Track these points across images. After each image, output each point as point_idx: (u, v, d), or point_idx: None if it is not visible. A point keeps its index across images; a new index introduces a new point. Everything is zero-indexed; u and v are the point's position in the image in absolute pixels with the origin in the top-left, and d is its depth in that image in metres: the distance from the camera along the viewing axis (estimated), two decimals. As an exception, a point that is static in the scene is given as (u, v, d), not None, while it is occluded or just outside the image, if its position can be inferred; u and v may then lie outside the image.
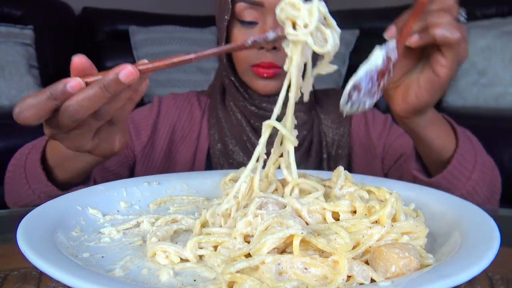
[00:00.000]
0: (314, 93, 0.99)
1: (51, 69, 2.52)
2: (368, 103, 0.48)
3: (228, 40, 0.87)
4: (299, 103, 0.85)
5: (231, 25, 0.85)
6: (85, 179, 0.71)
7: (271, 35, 0.48)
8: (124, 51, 2.70)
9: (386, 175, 0.91)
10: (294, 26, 0.48)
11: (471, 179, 0.70)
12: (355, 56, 2.65)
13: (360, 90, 0.46)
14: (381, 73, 0.47)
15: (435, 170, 0.71)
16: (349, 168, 0.92)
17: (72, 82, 0.46)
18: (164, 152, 0.92)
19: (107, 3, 2.81)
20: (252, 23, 0.82)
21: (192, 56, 0.48)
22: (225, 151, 0.91)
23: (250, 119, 0.91)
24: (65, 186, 0.68)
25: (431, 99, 0.60)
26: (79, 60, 0.48)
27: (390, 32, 0.57)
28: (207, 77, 2.56)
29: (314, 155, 0.91)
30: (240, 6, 0.82)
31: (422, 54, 0.60)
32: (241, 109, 0.92)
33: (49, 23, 2.55)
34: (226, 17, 0.83)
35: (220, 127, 0.93)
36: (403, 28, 0.55)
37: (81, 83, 0.46)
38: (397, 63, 0.52)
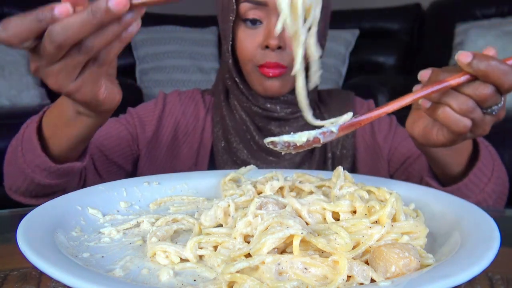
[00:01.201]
0: (318, 93, 0.99)
1: (51, 69, 2.52)
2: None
3: (233, 41, 0.87)
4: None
5: (235, 25, 0.86)
6: (80, 156, 0.69)
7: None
8: (124, 51, 2.68)
9: (392, 176, 0.91)
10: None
11: (484, 191, 0.70)
12: (355, 56, 2.65)
13: (276, 146, 0.48)
14: (299, 146, 0.48)
15: (447, 180, 0.71)
16: (354, 169, 0.92)
17: (61, 7, 0.44)
18: (167, 147, 0.93)
19: (107, 3, 2.81)
20: (256, 23, 0.83)
21: None
22: (229, 148, 0.92)
23: (254, 118, 0.92)
24: (60, 161, 0.66)
25: (448, 143, 0.57)
26: None
27: (424, 75, 0.54)
28: (207, 77, 2.56)
29: (318, 154, 0.91)
30: (244, 6, 0.83)
31: None
32: (245, 109, 0.92)
33: (49, 23, 2.56)
34: (231, 17, 0.84)
35: (224, 125, 0.93)
36: (429, 83, 0.53)
37: (70, 9, 0.44)
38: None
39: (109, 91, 0.55)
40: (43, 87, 2.37)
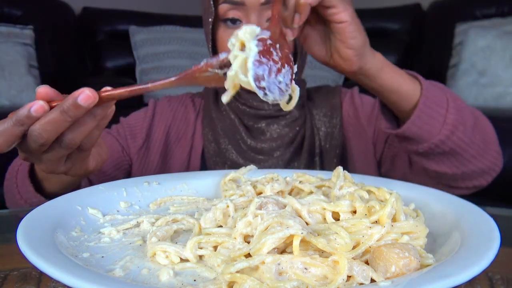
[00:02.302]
0: (307, 91, 1.00)
1: (51, 69, 2.52)
2: (284, 78, 0.49)
3: (214, 42, 0.88)
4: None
5: (215, 27, 0.86)
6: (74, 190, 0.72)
7: (222, 55, 0.48)
8: (124, 51, 2.69)
9: (380, 159, 0.91)
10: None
11: (446, 122, 0.68)
12: (355, 56, 2.65)
13: (263, 77, 0.46)
14: (266, 52, 0.47)
15: (404, 119, 0.70)
16: (342, 159, 0.92)
17: (35, 106, 0.46)
18: (160, 153, 0.94)
19: (107, 3, 2.81)
20: (236, 22, 0.83)
21: (149, 85, 0.49)
22: (219, 150, 0.92)
23: (243, 118, 0.93)
24: (54, 197, 0.69)
25: (356, 41, 0.61)
26: (43, 90, 0.48)
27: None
28: (207, 77, 2.56)
29: (307, 150, 0.92)
30: (222, 7, 0.83)
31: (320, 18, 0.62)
32: (234, 109, 0.93)
33: (49, 23, 2.55)
34: (210, 20, 0.85)
35: (213, 127, 0.94)
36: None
37: (44, 106, 0.47)
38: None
39: (97, 159, 0.60)
40: (43, 87, 2.37)
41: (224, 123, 0.94)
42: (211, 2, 0.83)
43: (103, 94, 0.48)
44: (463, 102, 0.73)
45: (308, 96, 0.99)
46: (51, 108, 0.47)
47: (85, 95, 0.46)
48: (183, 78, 0.50)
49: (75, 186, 0.72)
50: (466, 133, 0.70)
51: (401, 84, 0.67)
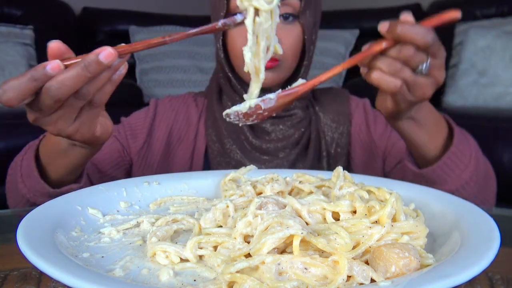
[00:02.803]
0: (313, 91, 0.99)
1: (51, 69, 2.52)
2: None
3: (224, 38, 0.88)
4: (296, 99, 0.85)
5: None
6: (77, 177, 0.71)
7: (239, 17, 0.55)
8: (124, 51, 2.69)
9: (387, 174, 0.91)
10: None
11: (461, 177, 0.71)
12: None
13: (230, 117, 0.56)
14: (248, 115, 0.56)
15: (425, 165, 0.72)
16: (348, 167, 0.93)
17: (52, 64, 0.49)
18: (161, 154, 0.93)
19: (107, 3, 2.81)
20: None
21: (166, 38, 0.55)
22: (223, 150, 0.92)
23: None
24: (58, 185, 0.68)
25: (394, 107, 0.63)
26: (55, 45, 0.51)
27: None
28: (207, 77, 2.55)
29: (312, 152, 0.92)
30: (234, 4, 0.82)
31: None
32: (237, 93, 0.92)
33: (49, 23, 2.55)
34: (221, 13, 0.84)
35: (217, 127, 0.93)
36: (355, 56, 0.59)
37: (60, 65, 0.49)
38: None
39: (103, 126, 0.60)
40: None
41: (228, 123, 0.93)
42: (224, 2, 0.83)
43: (119, 49, 0.51)
44: (484, 160, 0.77)
45: (314, 96, 0.98)
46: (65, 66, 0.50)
47: (107, 52, 0.49)
48: (200, 33, 0.57)
49: (79, 172, 0.70)
50: (476, 185, 0.74)
51: (432, 142, 0.70)
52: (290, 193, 0.56)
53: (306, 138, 0.93)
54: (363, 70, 0.60)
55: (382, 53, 0.57)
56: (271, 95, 0.56)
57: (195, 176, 0.68)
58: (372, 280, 0.38)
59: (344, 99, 0.98)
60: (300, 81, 0.58)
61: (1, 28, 2.32)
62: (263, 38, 0.56)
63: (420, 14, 2.74)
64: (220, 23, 0.55)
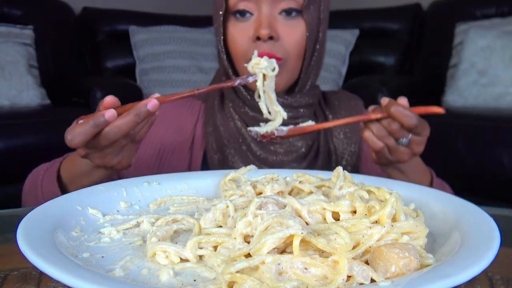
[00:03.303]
0: (324, 94, 0.96)
1: (51, 69, 2.52)
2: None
3: (225, 36, 0.86)
4: (301, 106, 0.86)
5: (226, 20, 0.84)
6: None
7: (251, 79, 0.71)
8: (124, 51, 2.70)
9: None
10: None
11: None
12: (355, 55, 2.65)
13: (251, 133, 0.75)
14: (264, 136, 0.73)
15: None
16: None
17: (109, 113, 0.61)
18: (151, 168, 0.89)
19: (107, 3, 2.81)
20: (246, 14, 0.82)
21: (195, 92, 0.68)
22: (224, 161, 0.88)
23: (251, 126, 0.87)
24: None
25: (377, 161, 0.77)
26: (110, 99, 0.64)
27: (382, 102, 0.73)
28: (207, 77, 2.56)
29: (321, 164, 0.90)
30: None
31: None
32: (241, 115, 0.89)
33: (49, 23, 2.55)
34: (220, 12, 0.83)
35: (218, 136, 0.89)
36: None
37: (115, 113, 0.62)
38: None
39: (133, 155, 0.71)
40: (43, 87, 2.37)
41: (230, 132, 0.89)
42: None
43: (160, 99, 0.64)
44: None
45: (326, 100, 0.95)
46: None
47: (153, 103, 0.63)
48: (220, 88, 0.80)
49: None
50: None
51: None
52: (290, 193, 0.56)
53: (314, 151, 0.90)
54: (361, 125, 0.75)
55: (378, 120, 0.72)
56: (284, 128, 0.73)
57: (195, 176, 0.68)
58: (372, 280, 0.38)
59: (360, 110, 0.95)
60: (310, 122, 0.74)
61: (1, 28, 2.32)
62: (272, 92, 0.73)
63: (420, 14, 2.75)
64: (237, 82, 0.70)
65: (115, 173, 0.75)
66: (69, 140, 0.61)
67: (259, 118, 0.87)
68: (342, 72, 2.61)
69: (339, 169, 0.53)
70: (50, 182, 0.76)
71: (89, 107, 2.21)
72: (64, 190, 0.75)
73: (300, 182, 0.57)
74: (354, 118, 0.74)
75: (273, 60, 0.72)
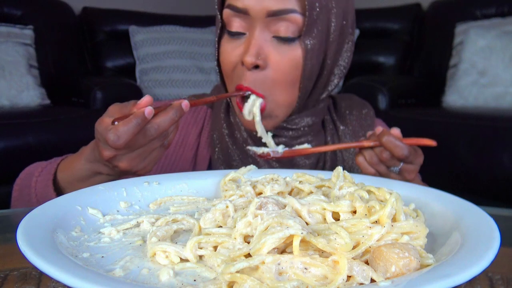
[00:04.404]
0: (333, 98, 0.93)
1: (51, 69, 2.52)
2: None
3: (218, 52, 0.81)
4: (301, 127, 0.85)
5: (221, 36, 0.79)
6: None
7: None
8: (124, 51, 2.70)
9: None
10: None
11: None
12: (355, 55, 2.65)
13: (249, 152, 0.83)
14: (261, 156, 0.77)
15: None
16: None
17: (148, 110, 0.61)
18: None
19: (107, 3, 2.82)
20: (239, 34, 0.75)
21: (214, 98, 0.73)
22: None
23: (255, 139, 0.84)
24: None
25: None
26: (147, 99, 0.63)
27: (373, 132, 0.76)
28: (207, 77, 2.56)
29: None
30: (226, 13, 0.75)
31: None
32: (247, 129, 0.85)
33: (49, 23, 2.55)
34: (218, 30, 0.79)
35: (224, 147, 0.86)
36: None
37: (153, 110, 0.61)
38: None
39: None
40: (43, 87, 2.37)
41: (236, 142, 0.85)
42: (217, 10, 0.78)
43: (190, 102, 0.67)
44: None
45: (335, 105, 0.92)
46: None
47: (186, 103, 0.64)
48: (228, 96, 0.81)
49: None
50: None
51: None
52: (290, 193, 0.56)
53: (322, 162, 0.88)
54: (356, 151, 0.79)
55: (371, 147, 0.74)
56: (280, 149, 0.76)
57: (195, 176, 0.68)
58: (372, 280, 0.38)
59: (371, 120, 0.92)
60: (306, 145, 0.77)
61: (1, 28, 2.32)
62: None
63: (420, 14, 2.76)
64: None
65: (117, 178, 0.70)
66: (112, 140, 0.59)
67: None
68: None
69: (339, 169, 0.53)
70: (45, 185, 0.73)
71: (89, 107, 2.21)
72: (60, 193, 0.72)
73: (300, 182, 0.57)
74: (348, 144, 0.77)
75: (258, 102, 0.75)
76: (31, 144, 1.82)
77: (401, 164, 0.75)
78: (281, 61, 0.73)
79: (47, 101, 2.34)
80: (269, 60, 0.73)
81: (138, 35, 2.66)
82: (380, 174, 0.74)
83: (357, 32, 2.66)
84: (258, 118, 0.76)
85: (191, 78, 2.61)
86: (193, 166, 0.89)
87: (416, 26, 2.70)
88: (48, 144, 1.83)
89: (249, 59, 0.72)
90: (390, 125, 0.95)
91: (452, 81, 2.30)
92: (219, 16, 0.77)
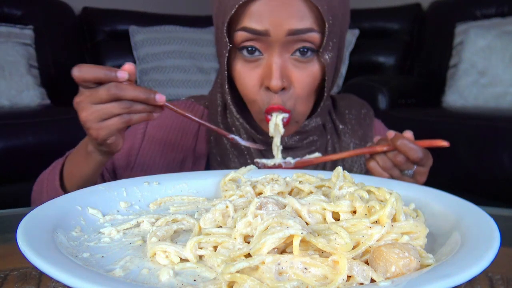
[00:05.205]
0: (332, 99, 0.93)
1: (51, 69, 2.52)
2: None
3: (230, 76, 0.79)
4: (309, 130, 0.85)
5: (232, 57, 0.76)
6: None
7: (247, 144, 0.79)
8: (124, 51, 2.70)
9: None
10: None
11: None
12: (355, 55, 2.66)
13: (258, 165, 0.77)
14: (269, 166, 0.76)
15: None
16: None
17: (122, 73, 0.64)
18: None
19: (107, 3, 2.82)
20: (255, 53, 0.74)
21: (200, 121, 0.73)
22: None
23: (256, 138, 0.85)
24: None
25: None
26: (129, 67, 0.65)
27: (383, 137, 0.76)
28: (207, 77, 2.56)
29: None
30: (241, 36, 0.72)
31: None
32: (247, 130, 0.85)
33: (49, 23, 2.55)
34: (224, 52, 0.75)
35: (222, 147, 0.86)
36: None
37: (126, 76, 0.64)
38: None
39: (119, 140, 0.70)
40: (43, 87, 2.37)
41: (238, 150, 0.85)
42: (225, 33, 0.73)
43: (165, 103, 0.68)
44: None
45: (334, 105, 0.92)
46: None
47: (162, 98, 0.66)
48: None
49: (93, 182, 0.75)
50: None
51: None
52: (290, 193, 0.56)
53: (321, 167, 0.88)
54: (366, 156, 0.76)
55: (384, 152, 0.73)
56: (292, 160, 0.76)
57: (195, 176, 0.68)
58: (372, 280, 0.38)
59: (370, 120, 0.93)
60: (317, 154, 0.78)
61: (1, 28, 2.32)
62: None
63: (420, 14, 2.76)
64: (235, 139, 0.77)
65: (106, 160, 0.73)
66: (74, 70, 0.62)
67: (260, 131, 0.85)
68: (342, 72, 2.62)
69: (339, 169, 0.53)
70: (52, 179, 0.77)
71: (89, 107, 2.21)
72: (62, 184, 0.76)
73: (300, 182, 0.57)
74: (361, 150, 0.76)
75: (281, 117, 0.75)
76: (31, 144, 1.82)
77: (415, 167, 0.74)
78: (302, 78, 0.75)
79: (47, 101, 2.34)
80: (292, 79, 0.75)
81: (138, 35, 2.66)
82: (393, 178, 0.73)
83: (357, 32, 2.66)
84: (282, 130, 0.77)
85: (191, 78, 2.61)
86: (191, 166, 0.89)
87: (416, 26, 2.70)
88: (48, 144, 1.83)
89: (276, 84, 0.72)
90: (389, 125, 0.95)
91: (452, 81, 2.30)
92: (226, 39, 0.74)
